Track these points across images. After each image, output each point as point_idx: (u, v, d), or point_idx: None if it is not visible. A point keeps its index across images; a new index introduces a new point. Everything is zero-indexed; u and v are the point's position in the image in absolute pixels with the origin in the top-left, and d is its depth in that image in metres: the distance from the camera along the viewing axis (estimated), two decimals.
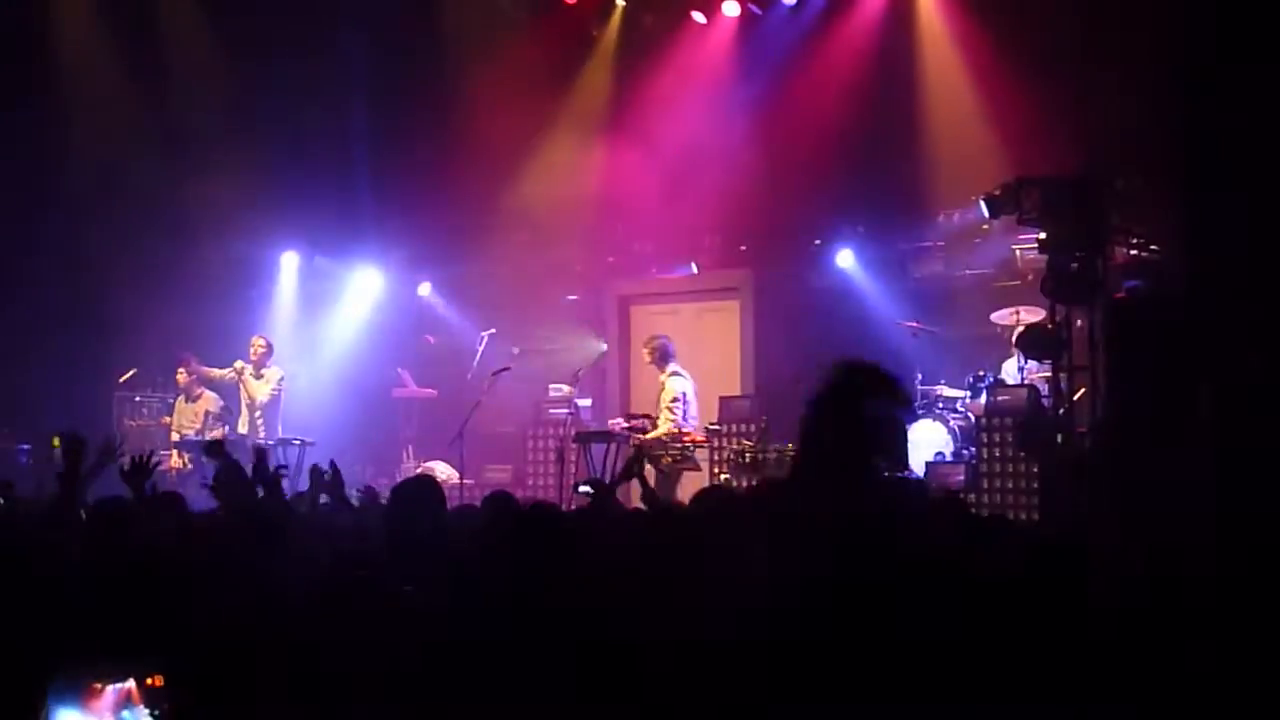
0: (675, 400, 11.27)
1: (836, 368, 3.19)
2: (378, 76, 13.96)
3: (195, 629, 3.33)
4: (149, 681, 3.03)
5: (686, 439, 11.18)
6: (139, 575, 3.61)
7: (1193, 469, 7.13)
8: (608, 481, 7.29)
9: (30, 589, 3.50)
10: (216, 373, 12.88)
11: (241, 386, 12.76)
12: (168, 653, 3.15)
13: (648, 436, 11.20)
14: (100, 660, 3.08)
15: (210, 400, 12.88)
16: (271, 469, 5.46)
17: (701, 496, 4.81)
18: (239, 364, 12.78)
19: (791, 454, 10.82)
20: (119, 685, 3.00)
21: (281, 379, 12.88)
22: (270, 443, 12.30)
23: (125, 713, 2.99)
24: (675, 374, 11.46)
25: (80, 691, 2.97)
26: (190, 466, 12.18)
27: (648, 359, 11.72)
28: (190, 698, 3.09)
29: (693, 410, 11.44)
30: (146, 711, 2.99)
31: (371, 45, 13.90)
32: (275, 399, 12.76)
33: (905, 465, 10.66)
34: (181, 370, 12.85)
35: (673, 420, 11.21)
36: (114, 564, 3.83)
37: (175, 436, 12.85)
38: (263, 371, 12.78)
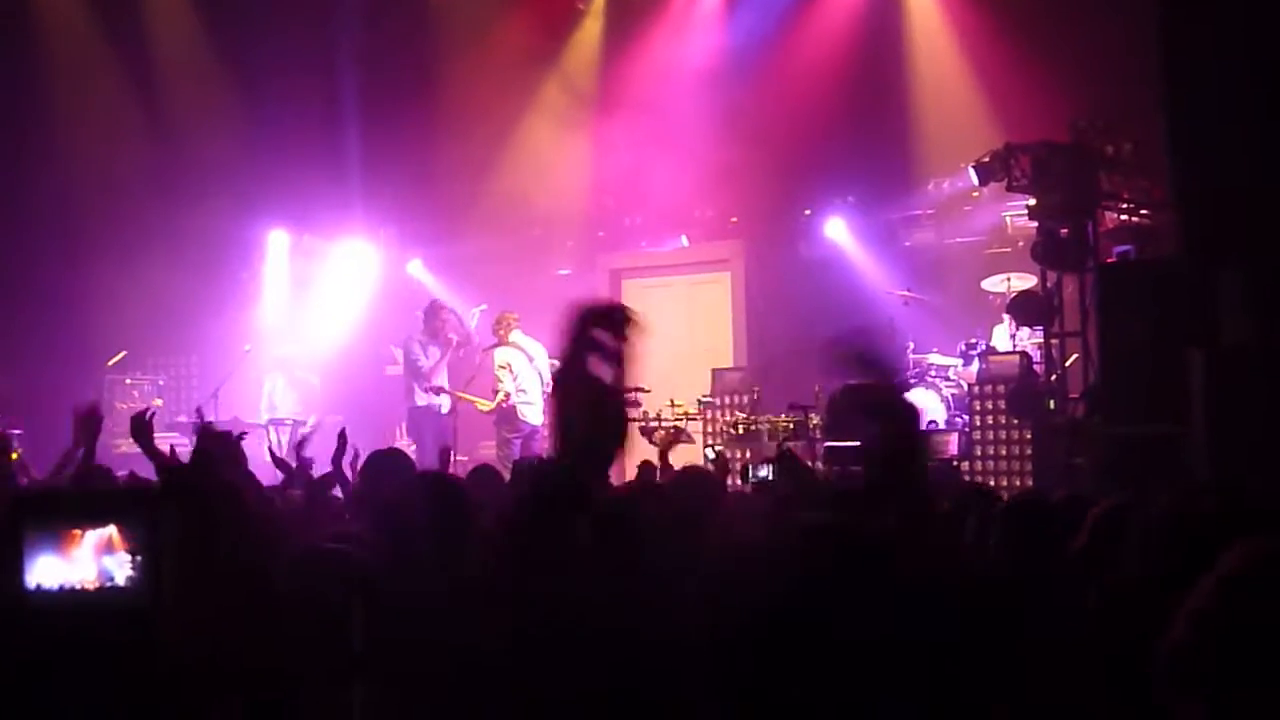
0: (501, 368, 11.53)
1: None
2: (365, 51, 13.88)
3: None
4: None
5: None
6: None
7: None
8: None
9: None
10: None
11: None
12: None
13: (484, 408, 11.56)
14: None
15: None
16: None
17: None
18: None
19: (784, 425, 10.88)
20: (99, 530, 2.92)
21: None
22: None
23: (106, 558, 2.92)
24: (509, 345, 11.64)
25: (58, 538, 2.91)
26: None
27: (495, 337, 11.82)
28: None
29: (525, 380, 11.50)
30: (128, 557, 2.93)
31: (360, 19, 13.82)
32: None
33: None
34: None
35: (501, 385, 11.46)
36: None
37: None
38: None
